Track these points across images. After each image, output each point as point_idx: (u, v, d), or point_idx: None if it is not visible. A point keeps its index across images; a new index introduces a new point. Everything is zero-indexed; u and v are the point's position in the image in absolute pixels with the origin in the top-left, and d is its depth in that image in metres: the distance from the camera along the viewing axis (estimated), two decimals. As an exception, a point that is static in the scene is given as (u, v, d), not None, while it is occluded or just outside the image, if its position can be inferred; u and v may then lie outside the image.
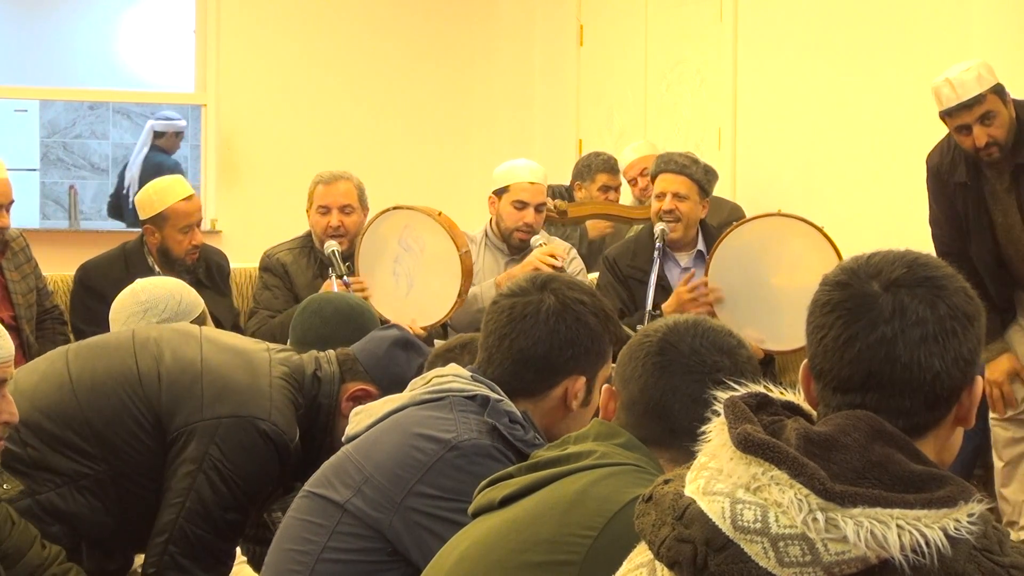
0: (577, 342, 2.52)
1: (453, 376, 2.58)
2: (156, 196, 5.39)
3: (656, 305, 5.18)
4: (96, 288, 5.28)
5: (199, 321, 3.25)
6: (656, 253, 5.30)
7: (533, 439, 2.48)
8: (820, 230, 5.09)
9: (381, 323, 3.90)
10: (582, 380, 2.54)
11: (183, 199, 5.38)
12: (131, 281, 5.13)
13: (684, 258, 5.50)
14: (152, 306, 3.19)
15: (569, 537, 1.93)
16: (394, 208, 5.37)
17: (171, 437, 3.11)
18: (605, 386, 2.18)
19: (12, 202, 5.03)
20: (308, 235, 5.59)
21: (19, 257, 5.20)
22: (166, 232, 5.35)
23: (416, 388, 2.63)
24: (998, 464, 5.07)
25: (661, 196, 5.40)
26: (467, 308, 5.34)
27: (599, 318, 2.55)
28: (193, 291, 3.28)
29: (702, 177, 5.38)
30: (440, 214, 5.29)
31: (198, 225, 5.42)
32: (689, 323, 2.14)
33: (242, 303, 5.76)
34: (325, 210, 5.47)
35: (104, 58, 10.62)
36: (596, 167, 6.90)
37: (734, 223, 5.38)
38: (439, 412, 2.53)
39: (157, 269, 5.36)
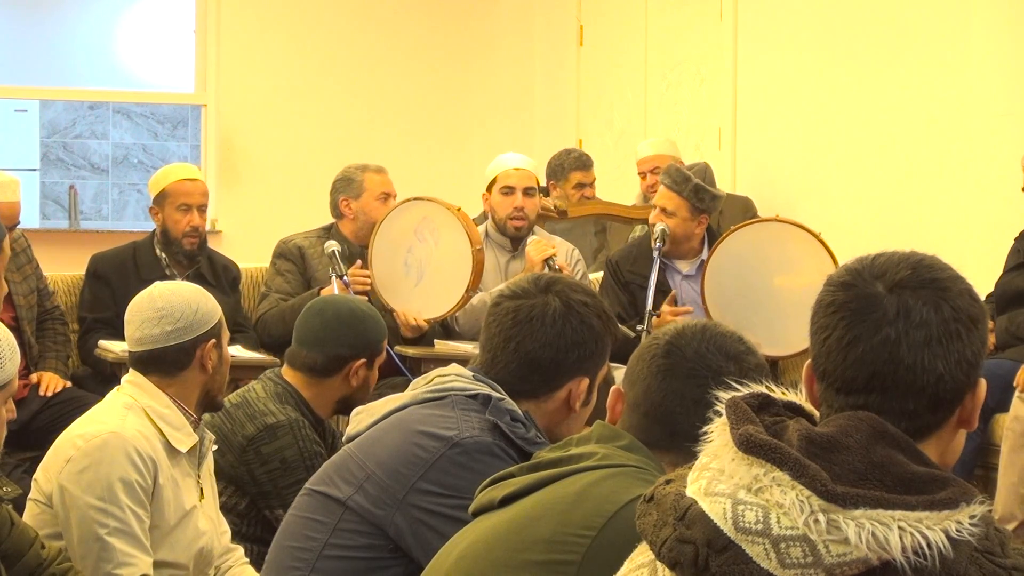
0: (583, 344, 2.52)
1: (455, 375, 2.58)
2: (162, 175, 5.56)
3: (656, 306, 5.19)
4: (103, 275, 5.44)
5: (216, 331, 3.20)
6: (656, 253, 5.31)
7: (535, 437, 2.48)
8: (817, 236, 5.08)
9: (385, 312, 3.88)
10: (586, 381, 2.55)
11: (185, 179, 5.50)
12: (138, 271, 5.23)
13: (685, 266, 5.50)
14: (168, 313, 3.14)
15: (568, 537, 1.93)
16: (415, 199, 5.40)
17: None
18: (613, 387, 2.17)
19: (17, 224, 5.05)
20: (328, 228, 5.63)
21: (20, 258, 5.19)
22: (166, 212, 5.46)
23: (418, 387, 2.63)
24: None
25: (654, 206, 5.46)
26: (475, 314, 5.32)
27: (602, 320, 2.55)
28: (212, 300, 3.22)
29: (691, 196, 5.35)
30: (459, 209, 5.32)
31: (200, 211, 5.47)
32: (698, 328, 2.13)
33: (243, 303, 5.76)
34: (386, 196, 5.61)
35: (104, 58, 10.61)
36: (569, 165, 6.90)
37: (732, 228, 5.38)
38: (441, 410, 2.53)
39: (164, 257, 5.41)
